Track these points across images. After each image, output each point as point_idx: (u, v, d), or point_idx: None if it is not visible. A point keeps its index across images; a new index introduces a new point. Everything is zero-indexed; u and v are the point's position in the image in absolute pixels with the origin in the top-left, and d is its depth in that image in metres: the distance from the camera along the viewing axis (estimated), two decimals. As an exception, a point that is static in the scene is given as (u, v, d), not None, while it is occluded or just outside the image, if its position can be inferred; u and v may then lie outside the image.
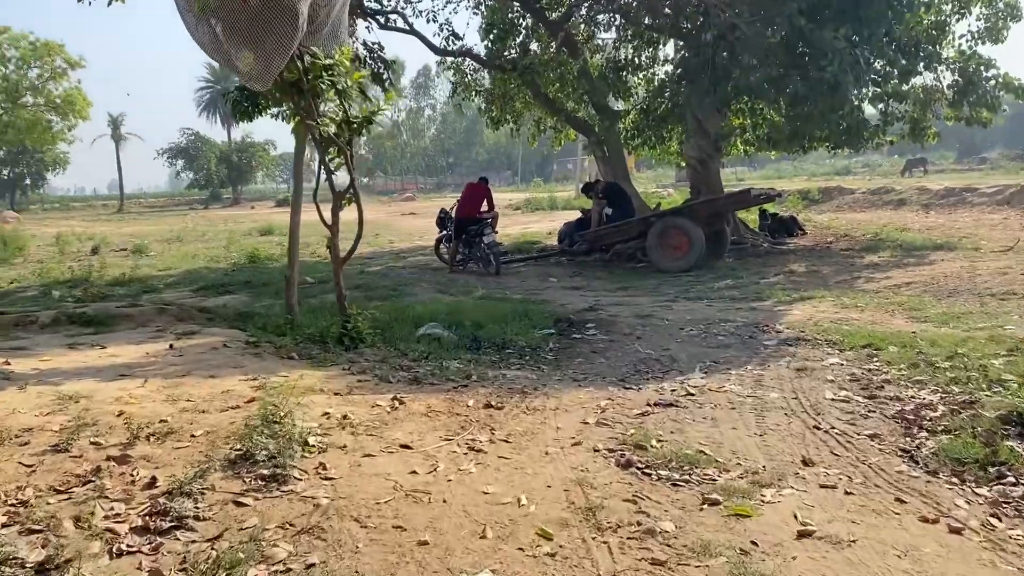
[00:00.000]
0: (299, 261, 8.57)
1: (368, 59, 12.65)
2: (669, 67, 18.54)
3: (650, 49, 18.88)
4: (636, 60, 18.35)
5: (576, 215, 17.31)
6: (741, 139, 18.59)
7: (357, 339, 6.77)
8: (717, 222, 13.51)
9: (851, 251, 14.05)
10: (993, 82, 15.07)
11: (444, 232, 14.25)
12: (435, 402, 4.74)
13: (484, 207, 13.51)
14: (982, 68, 15.12)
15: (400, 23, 14.92)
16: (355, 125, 6.67)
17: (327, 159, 6.77)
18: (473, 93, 17.31)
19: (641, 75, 19.03)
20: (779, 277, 11.76)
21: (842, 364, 5.83)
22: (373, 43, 12.80)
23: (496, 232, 13.41)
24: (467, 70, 16.77)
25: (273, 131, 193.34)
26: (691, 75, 14.97)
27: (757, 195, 12.74)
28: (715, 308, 9.10)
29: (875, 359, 5.89)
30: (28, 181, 72.94)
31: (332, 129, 6.45)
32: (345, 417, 4.26)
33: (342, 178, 7.29)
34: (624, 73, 17.90)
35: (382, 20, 13.99)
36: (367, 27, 13.38)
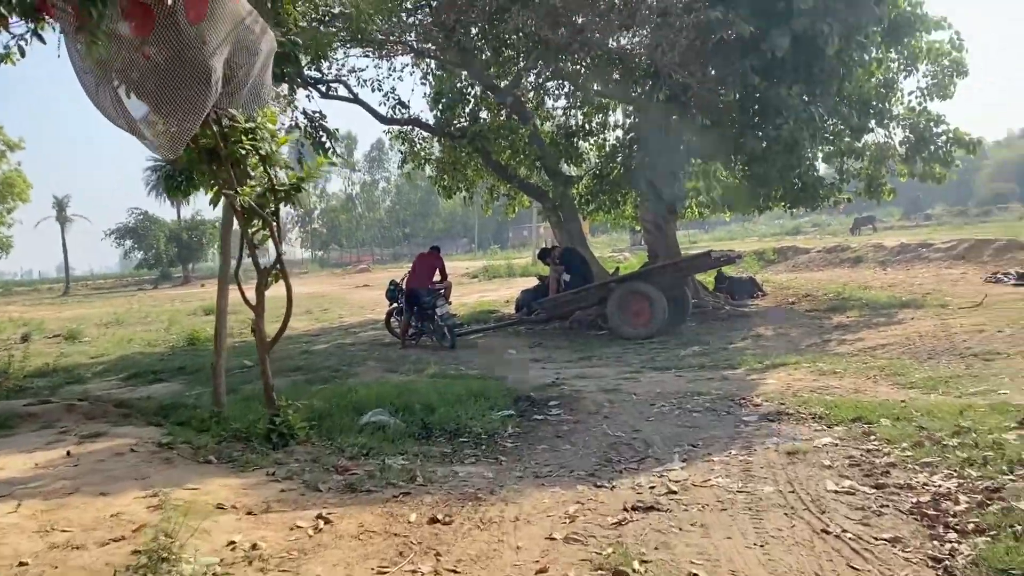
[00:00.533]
0: (238, 343, 7.76)
1: (308, 128, 12.08)
2: (620, 132, 18.34)
3: (600, 115, 18.69)
4: (587, 126, 18.10)
5: (534, 282, 16.77)
6: (696, 201, 18.35)
7: (287, 435, 5.96)
8: (677, 286, 13.01)
9: (816, 312, 13.62)
10: (944, 137, 15.03)
11: (395, 305, 13.52)
12: (370, 518, 3.96)
13: (436, 277, 12.85)
14: (932, 124, 15.10)
15: (343, 91, 14.46)
16: (281, 194, 5.99)
17: (250, 232, 6.06)
18: (423, 162, 16.81)
19: (592, 140, 18.79)
20: (747, 341, 11.21)
21: (836, 444, 5.19)
22: (314, 112, 12.25)
23: (450, 303, 12.72)
24: (416, 139, 16.29)
25: (219, 209, 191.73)
26: (642, 139, 14.67)
27: (717, 257, 12.30)
28: (685, 379, 8.46)
29: (871, 437, 5.26)
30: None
31: (253, 198, 5.76)
32: (254, 547, 3.47)
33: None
34: (575, 139, 17.61)
35: (323, 89, 13.48)
36: (307, 96, 12.90)
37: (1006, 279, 15.35)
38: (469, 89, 16.94)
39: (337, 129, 12.58)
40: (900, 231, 40.45)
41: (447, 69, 16.64)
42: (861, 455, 4.87)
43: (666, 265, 12.89)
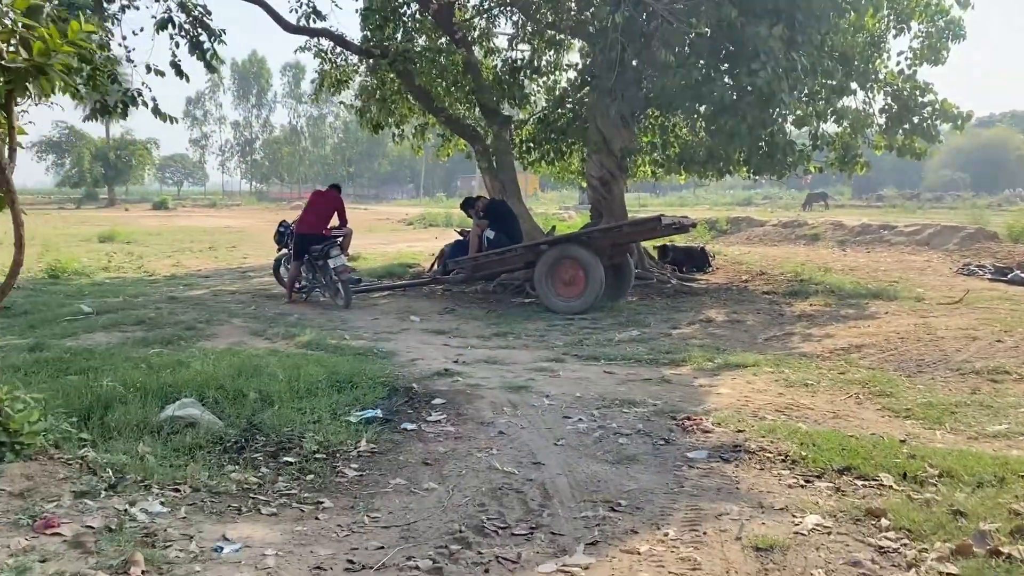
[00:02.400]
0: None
1: (184, 24, 9.78)
2: (573, 74, 16.28)
3: (552, 52, 16.56)
4: (535, 62, 15.94)
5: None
6: (649, 159, 16.45)
7: (9, 445, 3.94)
8: (619, 254, 11.15)
9: (775, 295, 11.91)
10: (929, 109, 13.35)
11: (284, 251, 11.39)
12: None
13: (334, 222, 10.76)
14: (917, 93, 13.40)
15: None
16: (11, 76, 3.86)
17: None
18: (338, 85, 14.44)
19: (540, 81, 16.68)
20: (695, 327, 9.43)
21: (827, 532, 3.36)
22: (195, 4, 9.87)
23: (347, 254, 10.65)
24: (333, 58, 13.90)
25: (159, 129, 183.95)
26: (596, 78, 12.63)
27: (669, 224, 10.43)
28: (616, 377, 6.62)
29: (877, 520, 3.46)
30: None
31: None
32: None
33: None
34: (520, 76, 15.46)
35: None
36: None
37: (980, 272, 13.89)
38: (404, 8, 14.61)
39: (223, 31, 10.29)
40: (852, 210, 39.28)
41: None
42: (871, 561, 3.06)
43: (609, 228, 10.98)
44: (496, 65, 16.12)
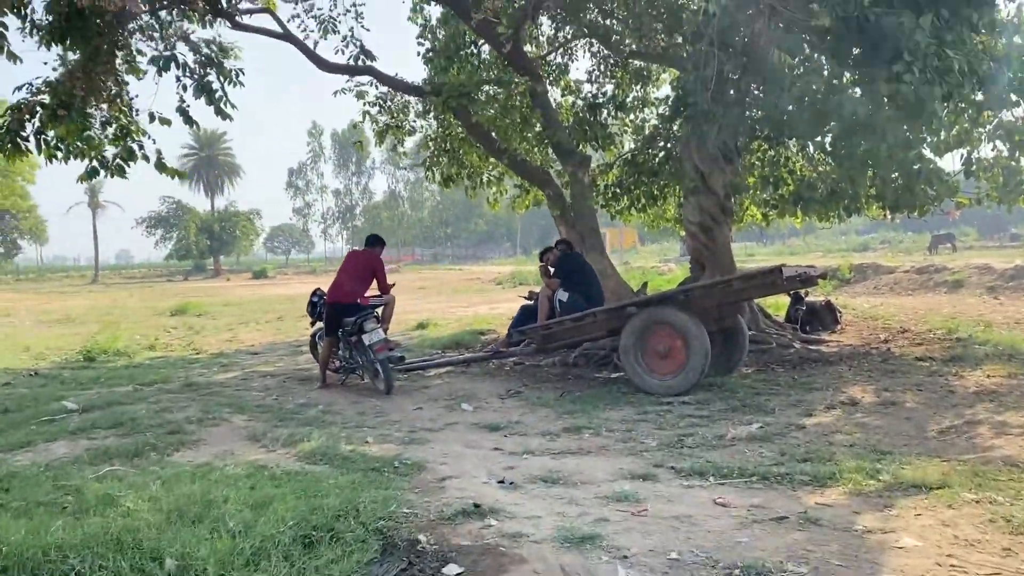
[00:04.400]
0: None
1: (194, 63, 8.30)
2: (664, 108, 14.25)
3: (638, 86, 14.61)
4: (618, 98, 13.99)
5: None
6: (757, 197, 14.09)
7: None
8: (729, 315, 8.88)
9: (932, 361, 9.31)
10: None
11: (320, 324, 9.62)
12: None
13: (371, 290, 8.95)
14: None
15: (271, 23, 10.48)
16: None
17: None
18: (399, 132, 12.76)
19: (627, 120, 14.69)
20: (836, 413, 7.02)
21: None
22: (208, 40, 8.35)
23: (384, 325, 8.73)
24: (386, 102, 12.23)
25: (263, 202, 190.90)
26: (690, 104, 10.51)
27: (793, 276, 8.12)
28: (732, 513, 4.37)
29: None
30: (1, 250, 69.41)
31: None
32: None
33: None
34: (602, 113, 13.50)
35: (228, 10, 9.50)
36: (205, 19, 8.96)
37: None
38: (471, 48, 12.94)
39: (239, 72, 8.75)
40: (983, 252, 35.19)
41: (447, 20, 12.74)
42: None
43: (714, 284, 8.69)
44: (574, 104, 14.27)
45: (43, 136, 8.67)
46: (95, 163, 8.32)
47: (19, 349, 13.57)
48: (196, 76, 8.34)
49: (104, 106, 9.04)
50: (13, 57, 8.34)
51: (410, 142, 15.08)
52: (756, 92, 9.85)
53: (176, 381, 9.60)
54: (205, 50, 8.29)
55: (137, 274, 77.44)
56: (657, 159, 13.47)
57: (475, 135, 11.24)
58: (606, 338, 9.24)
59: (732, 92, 9.72)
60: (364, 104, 11.08)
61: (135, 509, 4.34)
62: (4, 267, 72.38)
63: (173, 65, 8.14)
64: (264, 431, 6.63)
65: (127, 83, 9.20)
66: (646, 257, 46.42)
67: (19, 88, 8.47)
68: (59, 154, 8.77)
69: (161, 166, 8.36)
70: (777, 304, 14.60)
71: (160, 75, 8.35)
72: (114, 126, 9.18)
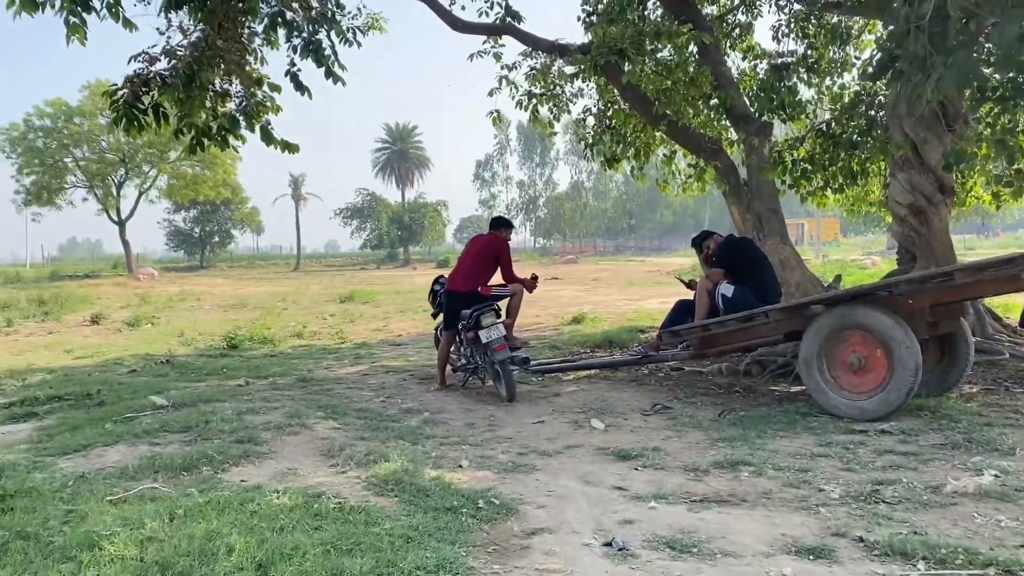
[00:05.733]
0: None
1: (297, 21, 7.36)
2: (870, 68, 11.96)
3: (836, 46, 12.40)
4: (809, 59, 11.92)
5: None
6: (984, 173, 11.48)
7: None
8: (947, 319, 6.81)
9: None
10: None
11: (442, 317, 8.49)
12: None
13: (495, 279, 7.70)
14: None
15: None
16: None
17: None
18: (559, 105, 11.36)
19: (821, 85, 12.51)
20: (1108, 461, 4.95)
21: None
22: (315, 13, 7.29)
23: (508, 319, 7.44)
24: (537, 69, 10.83)
25: (445, 192, 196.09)
26: (899, 52, 8.40)
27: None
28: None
29: None
30: (217, 239, 75.29)
31: None
32: None
33: None
34: (790, 76, 11.49)
35: None
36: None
37: None
38: (638, 8, 11.32)
39: (355, 30, 7.72)
40: None
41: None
42: None
43: (929, 277, 6.64)
44: (756, 66, 12.34)
45: (162, 109, 8.12)
46: (202, 136, 7.67)
47: (175, 334, 13.61)
48: (304, 35, 7.49)
49: (227, 78, 8.39)
50: (129, 24, 7.79)
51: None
52: (988, 30, 7.64)
53: (296, 374, 8.86)
54: (316, 3, 7.37)
55: (336, 262, 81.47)
56: (858, 128, 11.26)
57: (630, 100, 9.68)
58: (783, 343, 7.47)
59: (956, 34, 7.57)
60: (503, 68, 9.82)
61: (110, 558, 3.34)
62: (220, 255, 78.45)
63: (280, 22, 7.31)
64: (345, 444, 5.54)
65: (253, 51, 8.47)
66: (847, 250, 42.30)
67: (135, 57, 7.95)
68: (182, 130, 8.21)
69: (268, 137, 7.59)
70: (1006, 305, 11.96)
71: (268, 35, 7.56)
72: (241, 98, 8.52)
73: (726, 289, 7.28)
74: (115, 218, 42.73)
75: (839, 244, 56.86)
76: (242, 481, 4.74)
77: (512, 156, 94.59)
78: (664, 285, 25.72)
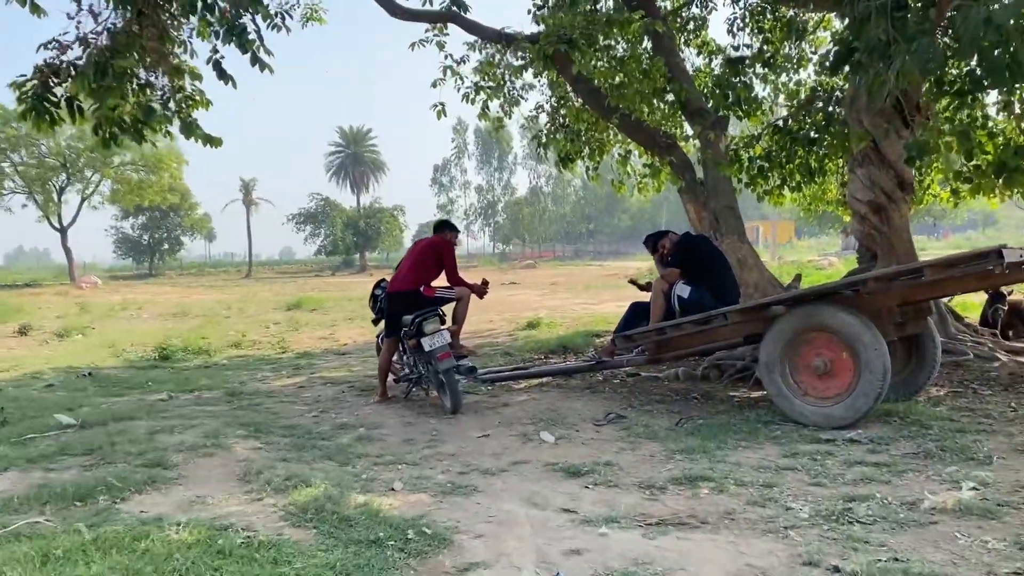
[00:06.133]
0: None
1: (218, 3, 6.78)
2: (827, 62, 11.70)
3: (792, 41, 12.12)
4: (764, 54, 11.63)
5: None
6: (944, 169, 11.28)
7: None
8: (914, 318, 6.46)
9: None
10: None
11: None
12: None
13: (438, 280, 7.17)
14: None
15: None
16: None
17: None
18: (504, 100, 10.88)
19: (777, 80, 12.21)
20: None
21: None
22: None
23: (453, 326, 6.94)
24: (486, 58, 10.30)
25: (407, 198, 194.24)
26: (861, 47, 8.10)
27: (1019, 262, 5.64)
28: None
29: None
30: (166, 246, 73.47)
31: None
32: None
33: None
34: (745, 69, 11.16)
35: None
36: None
37: None
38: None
39: (283, 14, 7.18)
40: None
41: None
42: None
43: (897, 274, 6.27)
44: (711, 61, 12.03)
45: (77, 102, 7.45)
46: (113, 128, 7.04)
47: (105, 345, 12.84)
48: (226, 17, 6.92)
49: (150, 69, 7.76)
50: (37, 10, 7.13)
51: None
52: (949, 16, 7.36)
53: (226, 387, 8.24)
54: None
55: (290, 269, 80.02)
56: (816, 125, 10.99)
57: (581, 93, 9.25)
58: (743, 346, 7.08)
59: (917, 21, 7.27)
60: (447, 59, 9.31)
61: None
62: (169, 262, 76.58)
63: (201, 5, 6.72)
64: (264, 466, 4.97)
65: (177, 41, 7.84)
66: (802, 252, 42.51)
67: (44, 45, 7.27)
68: (98, 125, 7.54)
69: (189, 130, 6.99)
70: (964, 304, 11.81)
71: (186, 18, 6.99)
72: (167, 92, 7.88)
73: (682, 290, 6.86)
74: (57, 225, 41.25)
75: (794, 246, 57.27)
76: (141, 512, 4.17)
77: (470, 160, 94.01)
78: (621, 288, 25.39)
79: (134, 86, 7.60)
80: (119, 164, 39.65)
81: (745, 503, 4.24)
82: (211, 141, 7.05)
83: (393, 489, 4.58)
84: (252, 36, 6.56)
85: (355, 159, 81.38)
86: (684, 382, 8.07)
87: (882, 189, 9.14)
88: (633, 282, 8.18)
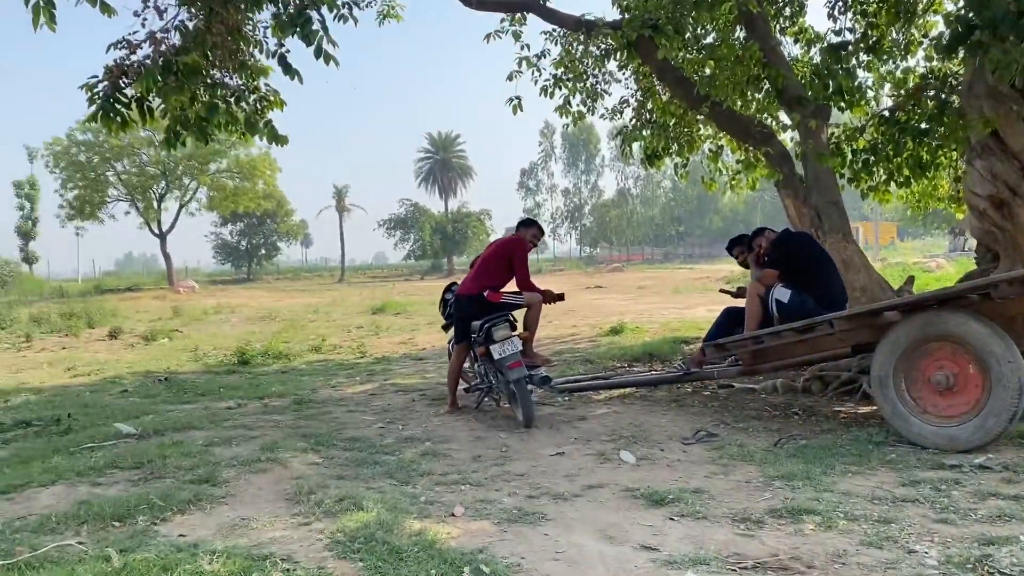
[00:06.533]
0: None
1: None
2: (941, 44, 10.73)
3: (900, 24, 11.17)
4: (871, 40, 10.72)
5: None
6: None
7: None
8: (1054, 326, 5.62)
9: None
10: None
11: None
12: None
13: (508, 286, 6.68)
14: None
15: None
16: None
17: None
18: (586, 94, 10.33)
19: (882, 67, 11.28)
20: None
21: None
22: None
23: (525, 332, 6.45)
24: (564, 47, 9.74)
25: (489, 201, 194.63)
26: (981, 24, 7.24)
27: None
28: None
29: None
30: (263, 251, 75.66)
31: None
32: None
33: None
34: (849, 56, 10.30)
35: None
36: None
37: None
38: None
39: (350, 3, 6.87)
40: None
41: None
42: None
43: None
44: (810, 52, 11.19)
45: (147, 102, 7.35)
46: (178, 126, 6.87)
47: (189, 349, 12.90)
48: (290, 7, 6.65)
49: (224, 69, 7.61)
50: (107, 10, 7.03)
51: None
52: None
53: (298, 394, 8.00)
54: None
55: (381, 274, 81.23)
56: (928, 114, 10.03)
57: (668, 82, 8.65)
58: (850, 357, 6.36)
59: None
60: (523, 49, 8.83)
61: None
62: (267, 267, 78.80)
63: (266, -2, 6.48)
64: (318, 485, 4.60)
65: (252, 40, 7.65)
66: (907, 253, 40.26)
67: (115, 45, 7.18)
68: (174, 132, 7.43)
69: (251, 126, 6.77)
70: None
71: (253, 13, 6.75)
72: (241, 91, 7.74)
73: (781, 294, 6.19)
74: (156, 231, 42.80)
75: (896, 248, 54.53)
76: (180, 536, 3.84)
77: (557, 164, 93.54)
78: (711, 292, 24.43)
79: (203, 85, 7.45)
80: (215, 172, 40.86)
81: (858, 543, 3.61)
82: (277, 139, 6.81)
83: (453, 514, 4.14)
84: (316, 27, 6.23)
85: (444, 164, 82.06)
86: (783, 395, 7.37)
87: (1005, 182, 8.22)
88: (726, 291, 7.53)
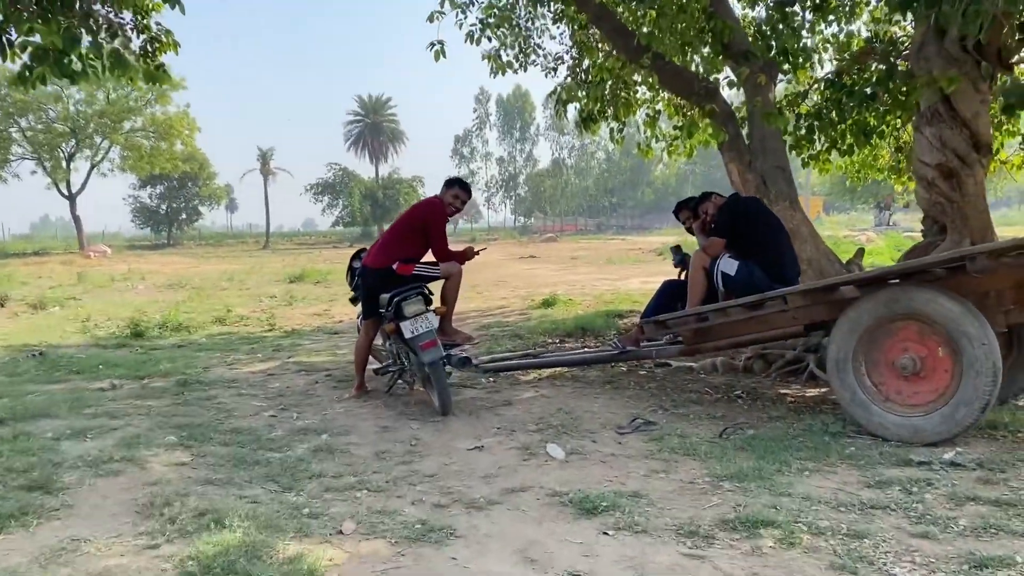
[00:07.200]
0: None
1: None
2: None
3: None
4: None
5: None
6: (1009, 132, 9.89)
7: None
8: (1021, 306, 5.10)
9: None
10: None
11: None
12: None
13: (419, 254, 5.88)
14: None
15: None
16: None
17: None
18: (517, 45, 9.54)
19: (828, 32, 10.76)
20: None
21: None
22: None
23: (442, 307, 5.69)
24: (499, 9, 8.94)
25: (422, 168, 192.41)
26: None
27: None
28: None
29: None
30: (184, 216, 72.82)
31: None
32: None
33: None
34: (796, 18, 9.71)
35: None
36: None
37: None
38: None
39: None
40: None
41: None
42: None
43: (1003, 249, 4.88)
44: (755, 10, 10.58)
45: (6, 37, 6.25)
46: (30, 59, 5.86)
47: (80, 319, 11.72)
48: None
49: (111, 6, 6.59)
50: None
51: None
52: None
53: (186, 373, 7.07)
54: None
55: (308, 241, 79.00)
56: (874, 78, 9.53)
57: (605, 30, 7.91)
58: (804, 336, 5.78)
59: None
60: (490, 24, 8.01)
61: None
62: (188, 232, 75.89)
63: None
64: (178, 493, 3.76)
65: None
66: (834, 227, 40.62)
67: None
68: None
69: (121, 64, 5.78)
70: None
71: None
72: (124, 28, 6.73)
73: (728, 265, 5.54)
74: (65, 192, 40.28)
75: (822, 221, 55.31)
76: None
77: (492, 131, 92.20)
78: (646, 263, 24.03)
79: (76, 18, 6.39)
80: (129, 130, 38.54)
81: (828, 566, 2.99)
82: (154, 77, 5.82)
83: (341, 532, 3.37)
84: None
85: (374, 128, 79.96)
86: (723, 375, 6.79)
87: (954, 151, 7.77)
88: (678, 262, 6.87)
